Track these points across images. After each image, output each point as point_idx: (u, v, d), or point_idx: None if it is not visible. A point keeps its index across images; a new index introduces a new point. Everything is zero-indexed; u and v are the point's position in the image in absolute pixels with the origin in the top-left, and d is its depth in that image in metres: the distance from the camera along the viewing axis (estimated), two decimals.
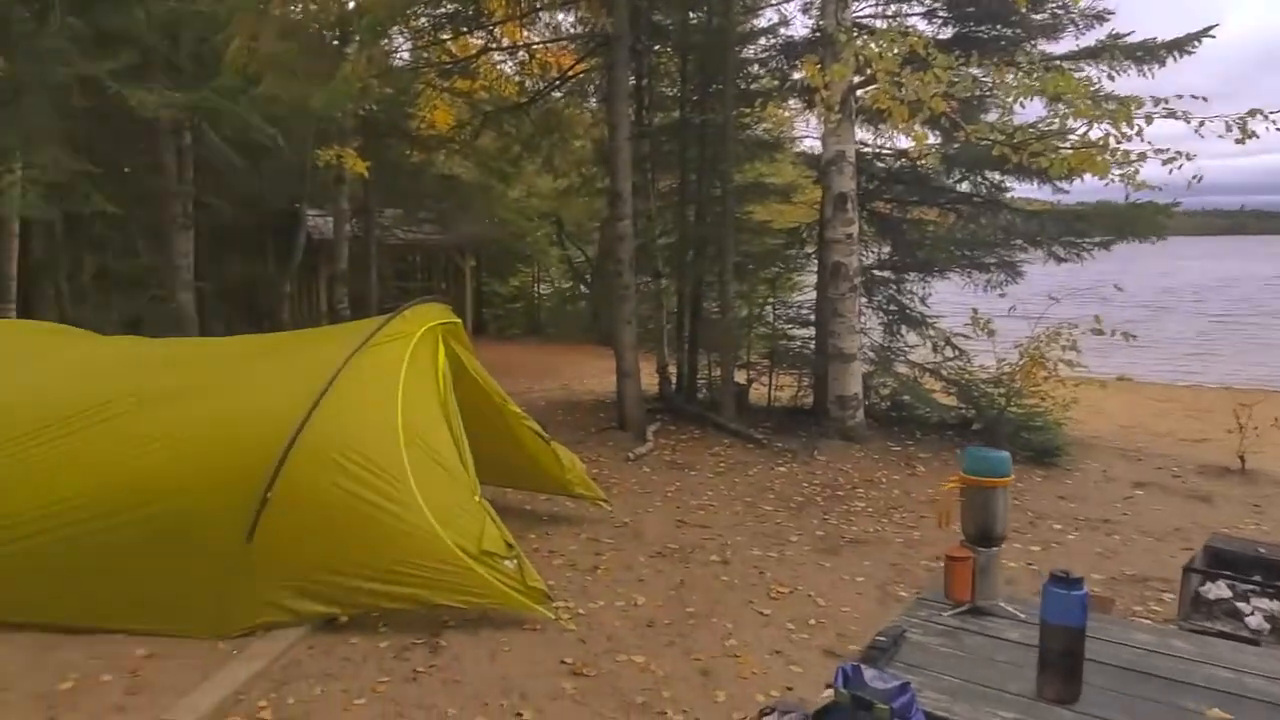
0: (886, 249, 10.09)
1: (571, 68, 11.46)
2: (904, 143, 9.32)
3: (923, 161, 8.77)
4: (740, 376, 10.33)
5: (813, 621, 4.62)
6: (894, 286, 9.66)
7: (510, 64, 12.99)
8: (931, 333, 9.31)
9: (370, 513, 4.19)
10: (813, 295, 10.59)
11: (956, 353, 9.20)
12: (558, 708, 3.67)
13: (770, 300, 11.04)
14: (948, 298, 9.97)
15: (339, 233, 14.33)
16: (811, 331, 10.24)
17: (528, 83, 12.70)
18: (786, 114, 12.32)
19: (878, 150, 9.55)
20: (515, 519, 5.54)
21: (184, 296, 11.10)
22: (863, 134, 9.49)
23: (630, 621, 4.56)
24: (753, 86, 10.54)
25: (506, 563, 4.36)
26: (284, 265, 14.23)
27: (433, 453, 4.50)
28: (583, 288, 21.34)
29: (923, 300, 9.59)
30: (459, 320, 5.45)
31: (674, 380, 10.80)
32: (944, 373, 9.31)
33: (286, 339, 5.69)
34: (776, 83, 10.38)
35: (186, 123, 10.63)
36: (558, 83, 11.88)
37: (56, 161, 8.44)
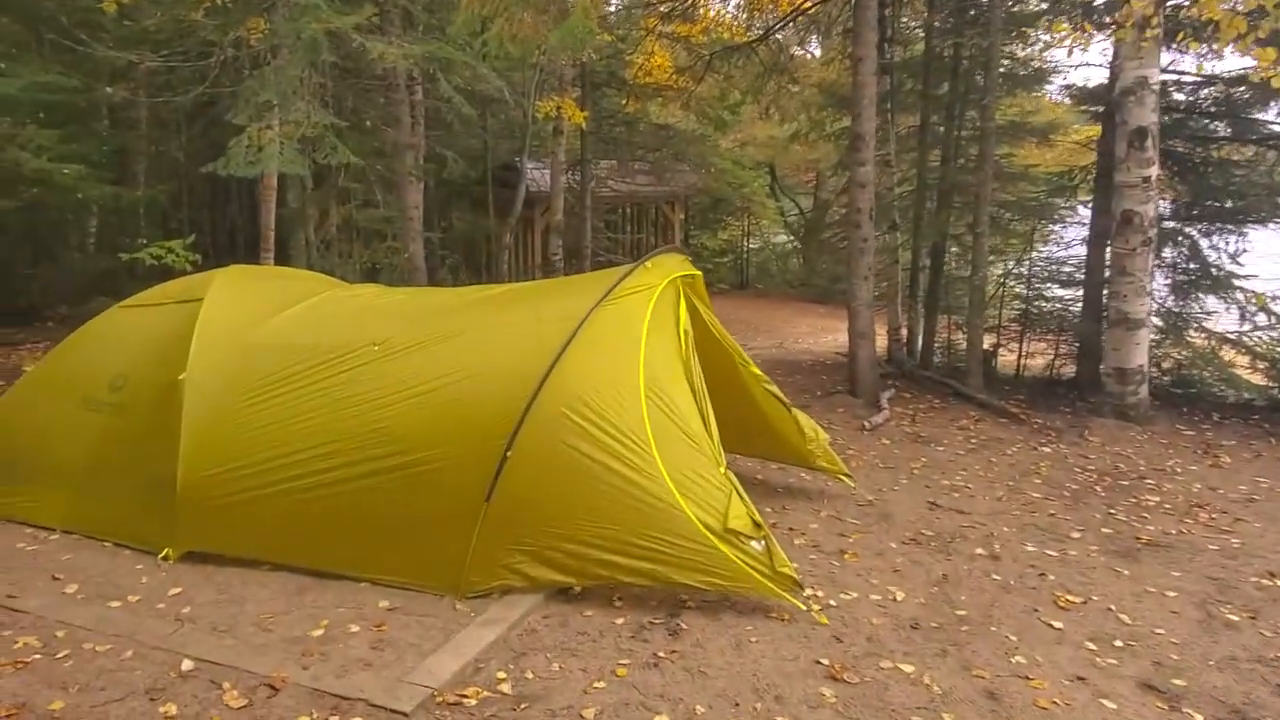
0: (1176, 196, 8.51)
1: (803, 1, 10.59)
2: (1212, 65, 7.74)
3: (1241, 88, 7.20)
4: (985, 341, 9.23)
5: (1119, 643, 3.82)
6: (1190, 240, 8.11)
7: (733, 4, 12.31)
8: (1240, 296, 7.75)
9: (610, 479, 3.88)
10: (1071, 250, 9.27)
11: (1273, 320, 7.62)
12: (819, 719, 3.18)
13: (1027, 256, 9.74)
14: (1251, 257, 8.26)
15: (555, 185, 14.41)
16: (1073, 292, 8.96)
17: (756, 20, 11.95)
18: (1065, 38, 10.73)
19: (1178, 77, 7.98)
20: (748, 490, 5.07)
21: (414, 247, 11.49)
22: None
23: (890, 620, 3.98)
24: (1014, 10, 9.22)
25: (753, 544, 3.91)
26: (504, 217, 14.53)
27: (676, 417, 4.10)
28: (796, 242, 20.48)
29: (1233, 257, 7.97)
30: (699, 272, 5.00)
31: (904, 343, 9.90)
32: (1249, 344, 7.77)
33: (522, 290, 5.50)
34: (1045, 5, 9.00)
35: (419, 75, 10.88)
36: (788, 20, 11.04)
37: (308, 116, 8.81)
